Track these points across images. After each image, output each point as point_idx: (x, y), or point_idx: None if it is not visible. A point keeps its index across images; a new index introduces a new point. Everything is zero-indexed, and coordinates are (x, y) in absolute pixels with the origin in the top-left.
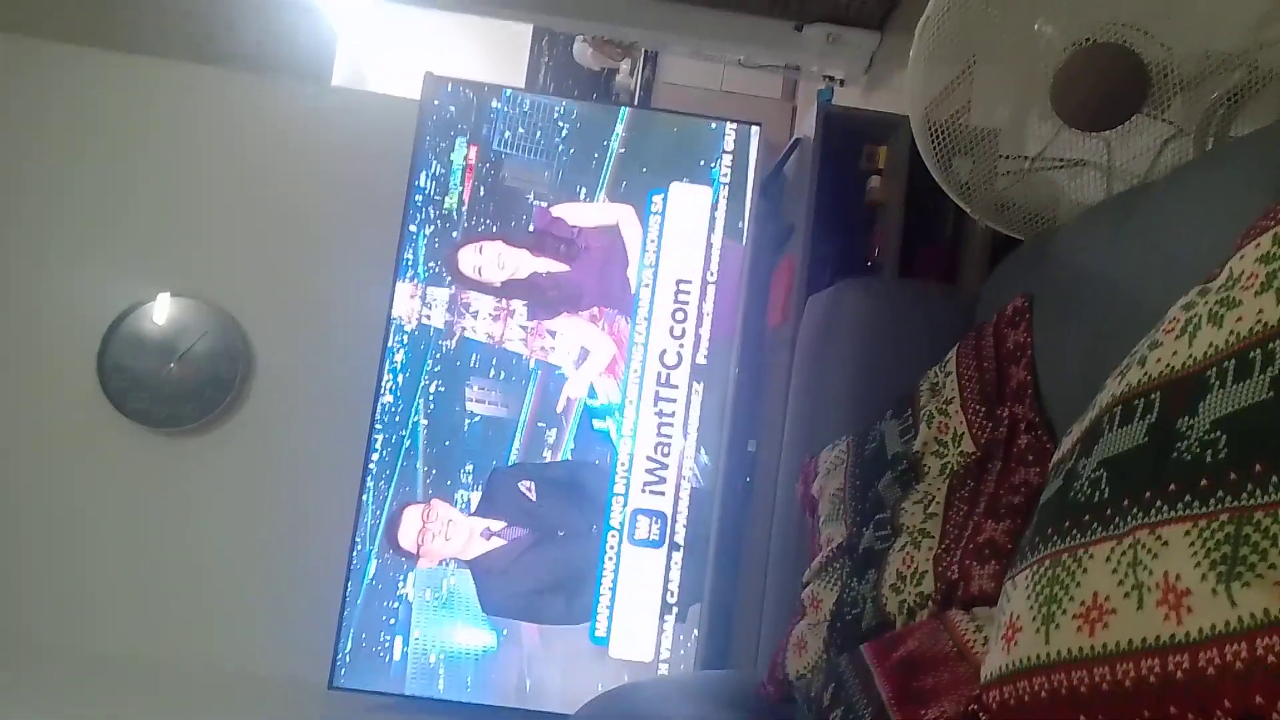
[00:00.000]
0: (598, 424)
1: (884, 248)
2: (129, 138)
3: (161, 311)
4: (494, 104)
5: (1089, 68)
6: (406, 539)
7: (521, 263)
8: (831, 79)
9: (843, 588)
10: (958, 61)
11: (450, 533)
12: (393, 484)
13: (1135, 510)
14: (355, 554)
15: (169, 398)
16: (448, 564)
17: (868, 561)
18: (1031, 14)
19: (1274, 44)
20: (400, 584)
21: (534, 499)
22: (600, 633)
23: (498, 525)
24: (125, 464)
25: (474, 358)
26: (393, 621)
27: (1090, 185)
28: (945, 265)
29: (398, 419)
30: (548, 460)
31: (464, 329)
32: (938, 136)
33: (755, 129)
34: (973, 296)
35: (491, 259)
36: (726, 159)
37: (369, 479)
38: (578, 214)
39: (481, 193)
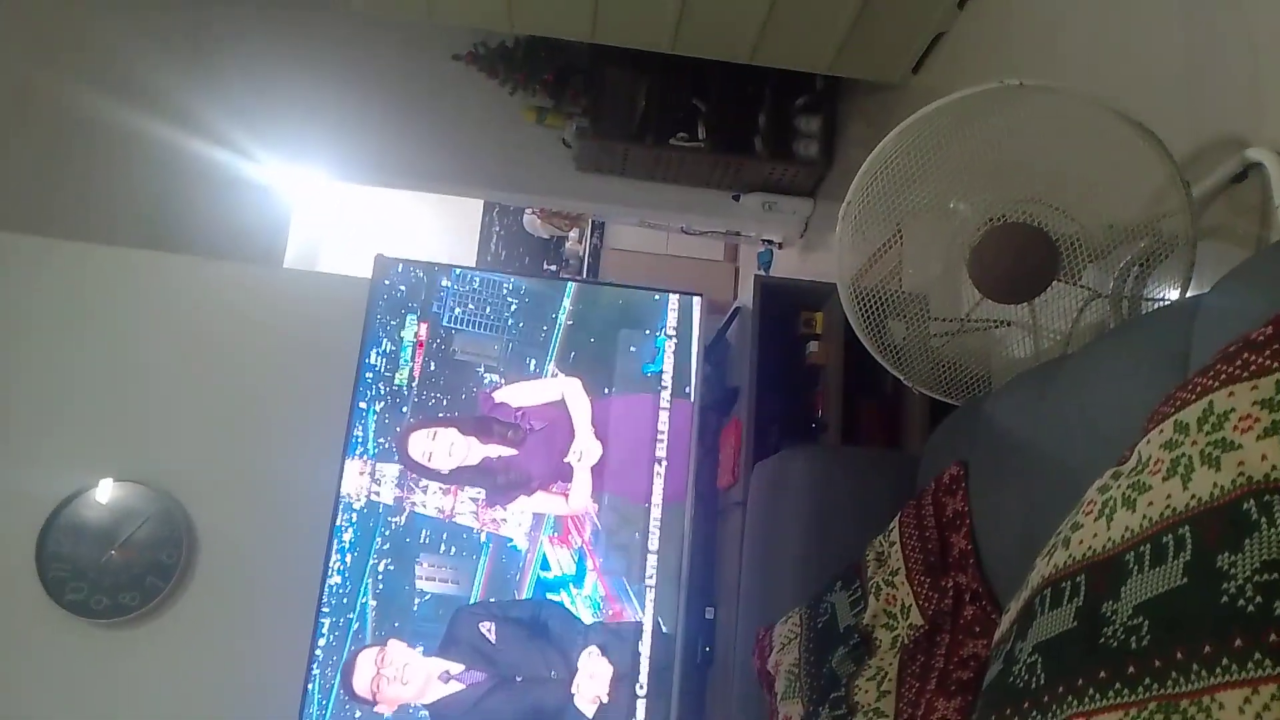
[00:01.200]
0: (551, 597)
1: (827, 408)
2: (74, 323)
3: (104, 497)
4: (443, 282)
5: (1002, 245)
6: (361, 684)
7: (471, 450)
8: (770, 242)
9: None
10: (886, 229)
11: (406, 676)
12: (339, 672)
13: (1070, 698)
14: None
15: (109, 587)
16: (415, 709)
17: None
18: (946, 194)
19: (1170, 215)
20: None
21: (493, 640)
22: None
23: (457, 668)
24: (61, 658)
25: (424, 533)
26: None
27: (1018, 343)
28: (887, 422)
29: (345, 600)
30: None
31: (414, 504)
32: (868, 304)
33: (696, 299)
34: (912, 461)
35: (444, 446)
36: (671, 327)
37: (315, 666)
38: (521, 396)
39: (432, 367)
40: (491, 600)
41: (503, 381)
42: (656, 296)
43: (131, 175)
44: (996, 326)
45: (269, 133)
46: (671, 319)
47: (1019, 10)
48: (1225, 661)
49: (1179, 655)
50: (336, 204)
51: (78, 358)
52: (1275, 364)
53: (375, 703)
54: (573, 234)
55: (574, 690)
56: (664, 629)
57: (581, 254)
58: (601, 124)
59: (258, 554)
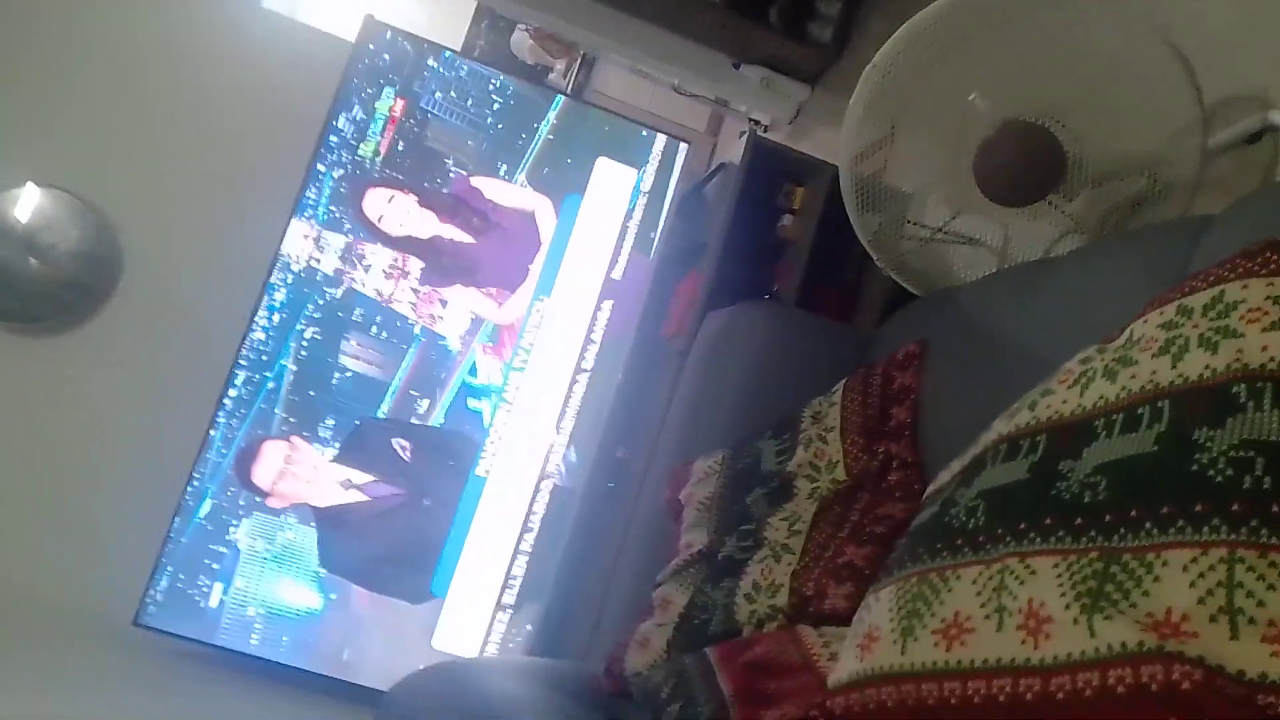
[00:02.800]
0: (473, 403)
1: (786, 280)
2: (29, 17)
3: (30, 201)
4: (430, 62)
5: (1013, 141)
6: (262, 475)
7: (426, 224)
8: (757, 122)
9: (696, 592)
10: (890, 122)
11: (312, 476)
12: (246, 423)
13: (1008, 539)
14: (191, 488)
15: (21, 293)
16: (287, 514)
17: (726, 569)
18: (969, 85)
19: (1179, 159)
20: (232, 528)
21: (408, 459)
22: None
23: (361, 478)
24: None
25: (357, 312)
26: (216, 566)
27: (983, 264)
28: (841, 308)
29: (265, 358)
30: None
31: (353, 280)
32: (858, 188)
33: (684, 145)
34: (865, 337)
35: (399, 211)
36: (650, 168)
37: (221, 414)
38: (497, 190)
39: (401, 147)
40: (404, 420)
41: (476, 174)
42: (644, 133)
43: None
44: (966, 243)
45: None
46: (652, 162)
47: None
48: (1180, 523)
49: (1133, 513)
50: None
51: (26, 51)
52: None
53: (269, 494)
54: (559, 65)
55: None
56: (573, 458)
57: (565, 90)
58: None
59: (182, 292)
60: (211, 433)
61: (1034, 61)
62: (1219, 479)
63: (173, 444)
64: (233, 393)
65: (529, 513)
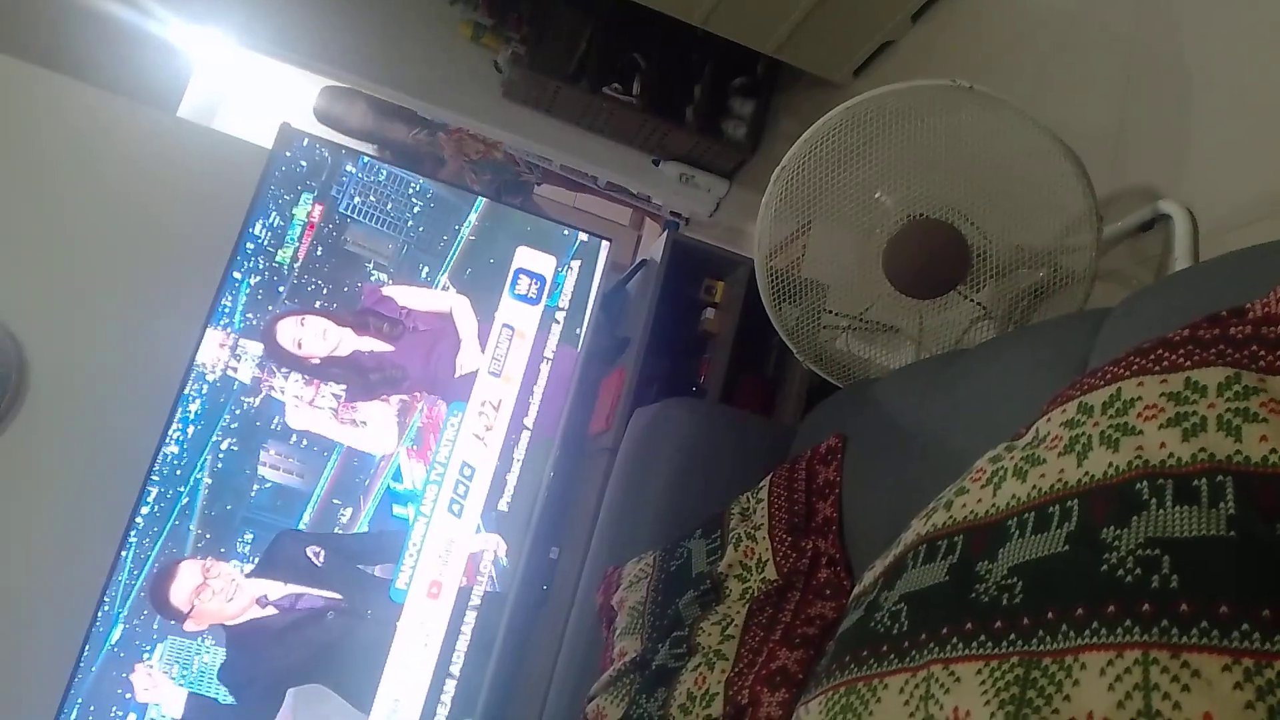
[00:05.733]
0: (398, 509)
1: (710, 375)
2: None
3: None
4: (349, 167)
5: (918, 237)
6: (179, 595)
7: (344, 339)
8: (678, 215)
9: (630, 704)
10: (802, 216)
11: (233, 593)
12: (159, 543)
13: (932, 645)
14: (101, 613)
15: None
16: (204, 636)
17: (659, 679)
18: (874, 184)
19: (1076, 249)
20: (146, 654)
21: (320, 565)
22: None
23: (275, 592)
24: None
25: (276, 420)
26: (128, 696)
27: (901, 351)
28: (764, 400)
29: (179, 473)
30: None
31: (271, 388)
32: (774, 281)
33: (605, 243)
34: (788, 431)
35: (315, 333)
36: (574, 266)
37: (133, 533)
38: (409, 296)
39: (319, 252)
40: (326, 531)
41: (390, 282)
42: (565, 232)
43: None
44: (884, 331)
45: None
46: (576, 257)
47: (968, 33)
48: (1095, 625)
49: (1049, 615)
50: (243, 69)
51: None
52: (1187, 363)
53: (187, 616)
54: None
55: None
56: (503, 563)
57: (493, 190)
58: (539, 56)
59: (94, 408)
60: (123, 553)
61: (932, 161)
62: (1128, 579)
63: (82, 567)
64: (145, 510)
65: (459, 623)
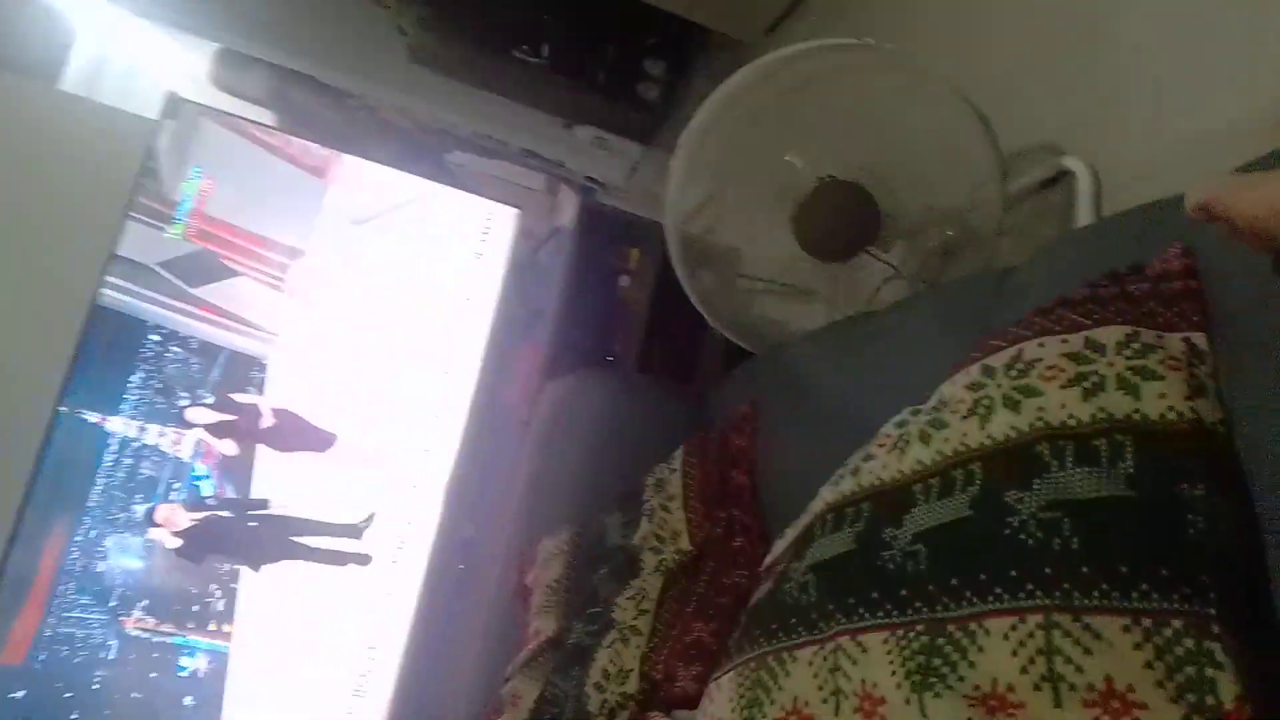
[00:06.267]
0: None
1: (626, 344)
2: None
3: None
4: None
5: (827, 199)
6: None
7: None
8: (593, 181)
9: (546, 684)
10: (713, 181)
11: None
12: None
13: (839, 615)
14: None
15: None
16: None
17: (575, 657)
18: (784, 145)
19: (982, 207)
20: None
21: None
22: None
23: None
24: None
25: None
26: None
27: (814, 313)
28: (681, 367)
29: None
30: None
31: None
32: (687, 247)
33: (514, 212)
34: (704, 399)
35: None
36: (484, 237)
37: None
38: None
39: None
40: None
41: None
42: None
43: None
44: (797, 294)
45: None
46: (485, 231)
47: None
48: (998, 591)
49: (953, 582)
50: (130, 37)
51: None
52: (1087, 322)
53: None
54: None
55: None
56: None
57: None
58: (445, 19)
59: None
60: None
61: (839, 123)
62: (1030, 542)
63: None
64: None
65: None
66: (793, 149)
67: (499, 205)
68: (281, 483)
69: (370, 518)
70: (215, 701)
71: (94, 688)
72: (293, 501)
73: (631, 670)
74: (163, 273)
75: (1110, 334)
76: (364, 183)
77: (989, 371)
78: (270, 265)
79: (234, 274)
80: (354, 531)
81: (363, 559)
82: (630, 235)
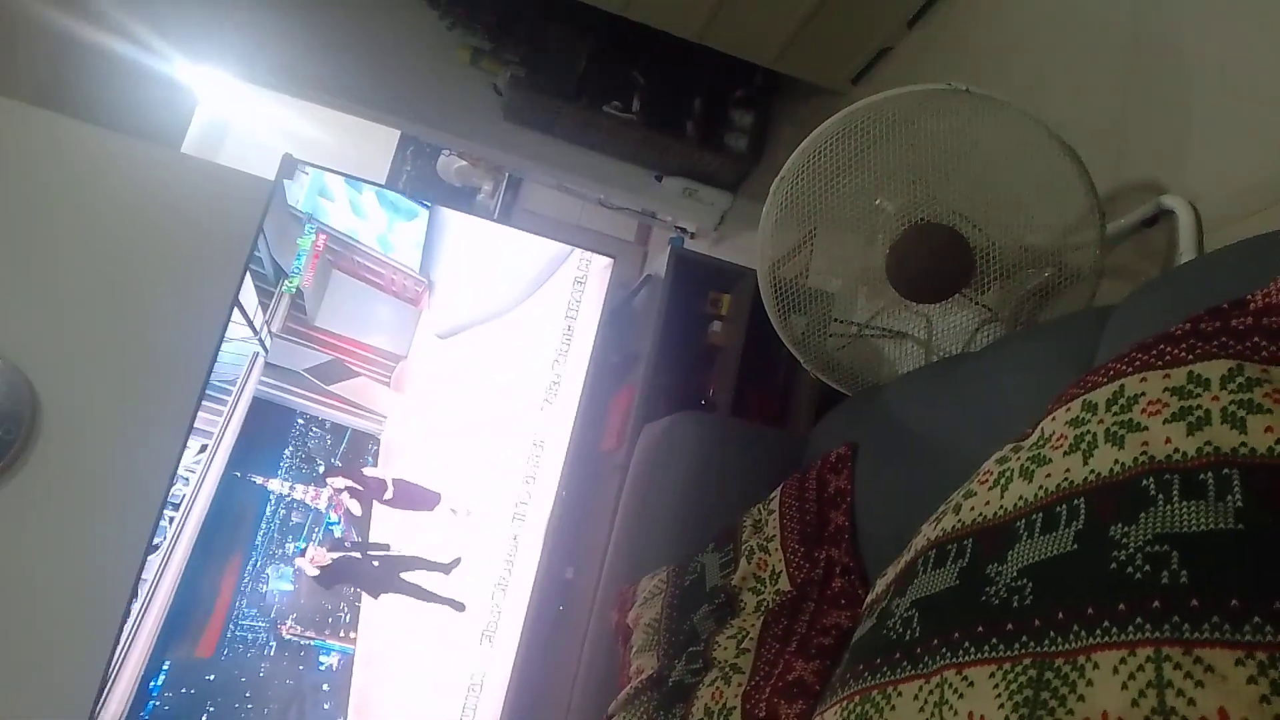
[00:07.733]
0: None
1: (720, 387)
2: None
3: None
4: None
5: (923, 242)
6: None
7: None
8: (683, 230)
9: None
10: (803, 226)
11: None
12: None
13: (944, 650)
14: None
15: None
16: None
17: (677, 695)
18: (875, 191)
19: (1080, 247)
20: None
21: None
22: None
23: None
24: None
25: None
26: None
27: (910, 356)
28: (775, 410)
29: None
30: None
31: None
32: (779, 292)
33: (609, 261)
34: (799, 441)
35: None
36: (578, 286)
37: (146, 570)
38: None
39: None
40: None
41: None
42: (571, 252)
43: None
44: (892, 337)
45: (174, 28)
46: (580, 280)
47: (965, 36)
48: (1106, 624)
49: (1060, 615)
50: (248, 103)
51: None
52: (1190, 356)
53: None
54: (486, 186)
55: None
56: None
57: (492, 209)
58: (538, 77)
59: (105, 444)
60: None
61: (931, 165)
62: (1137, 575)
63: (102, 599)
64: (158, 540)
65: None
66: (882, 193)
67: (594, 255)
68: (394, 528)
69: (457, 560)
70: (344, 688)
71: (260, 675)
72: (406, 546)
73: (734, 708)
74: (307, 376)
75: (1213, 368)
76: (449, 306)
77: (1090, 407)
78: (381, 368)
79: (355, 374)
80: (447, 569)
81: (458, 605)
82: (721, 281)
